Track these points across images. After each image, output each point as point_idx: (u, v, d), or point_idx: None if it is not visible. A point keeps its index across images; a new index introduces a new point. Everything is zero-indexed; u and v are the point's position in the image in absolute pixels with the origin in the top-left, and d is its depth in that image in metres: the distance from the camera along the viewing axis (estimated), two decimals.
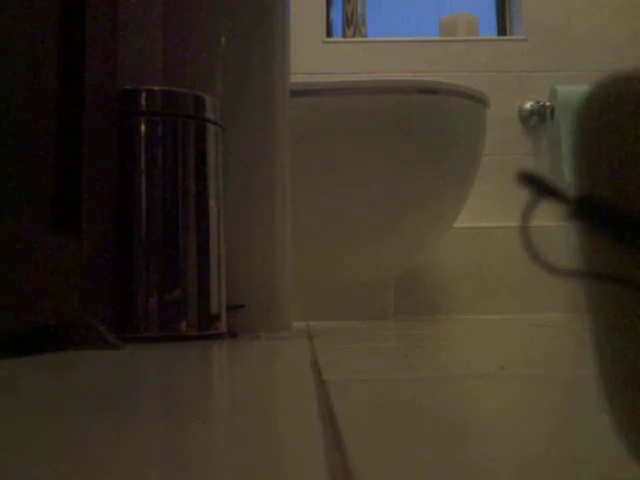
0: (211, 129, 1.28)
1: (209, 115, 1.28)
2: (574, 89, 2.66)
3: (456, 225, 2.59)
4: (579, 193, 0.21)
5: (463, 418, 0.43)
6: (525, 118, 2.72)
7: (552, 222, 2.43)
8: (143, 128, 1.21)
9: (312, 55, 2.70)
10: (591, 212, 0.20)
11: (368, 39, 2.82)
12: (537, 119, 2.71)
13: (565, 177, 2.60)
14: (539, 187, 0.21)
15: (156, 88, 1.26)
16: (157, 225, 1.20)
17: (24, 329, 0.91)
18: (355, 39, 2.81)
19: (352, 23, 2.83)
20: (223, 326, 1.27)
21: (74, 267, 1.00)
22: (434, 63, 2.73)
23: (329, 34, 2.86)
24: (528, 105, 2.71)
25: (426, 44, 2.77)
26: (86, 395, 0.55)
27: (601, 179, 0.21)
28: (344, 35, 2.84)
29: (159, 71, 1.41)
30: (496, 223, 2.65)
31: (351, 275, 2.10)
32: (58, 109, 1.00)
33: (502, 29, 2.96)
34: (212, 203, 1.26)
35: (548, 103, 2.69)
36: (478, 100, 2.12)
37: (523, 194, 2.67)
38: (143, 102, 1.23)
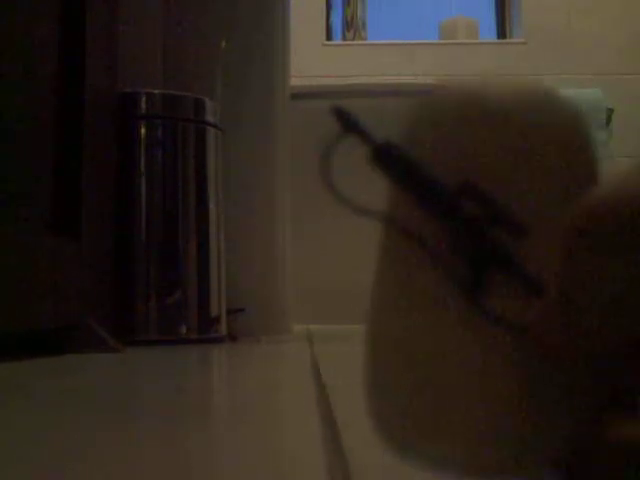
0: (211, 132, 1.28)
1: (209, 118, 1.28)
2: (574, 92, 2.67)
3: None
4: (379, 139, 0.22)
5: None
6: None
7: None
8: (143, 131, 1.21)
9: (312, 58, 2.70)
10: (388, 160, 0.22)
11: (368, 42, 2.82)
12: None
13: None
14: (347, 123, 0.22)
15: (156, 91, 1.26)
16: (157, 228, 1.20)
17: (24, 332, 0.91)
18: (355, 42, 2.81)
19: (352, 26, 2.83)
20: (223, 329, 1.27)
21: (74, 270, 1.00)
22: (433, 66, 2.73)
23: (329, 37, 2.86)
24: None
25: (426, 47, 2.78)
26: (86, 398, 0.55)
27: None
28: (344, 38, 2.84)
29: (159, 74, 1.41)
30: None
31: (352, 278, 2.11)
32: (58, 112, 1.00)
33: (502, 32, 2.97)
34: (212, 206, 1.26)
35: None
36: None
37: None
38: (143, 105, 1.23)
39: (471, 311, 0.21)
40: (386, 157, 0.22)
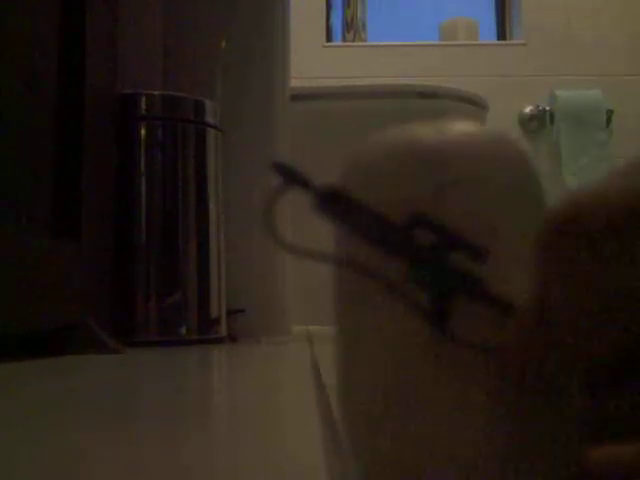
0: (211, 133, 1.28)
1: (209, 119, 1.28)
2: (574, 93, 2.67)
3: None
4: (322, 186, 0.22)
5: None
6: (525, 123, 2.72)
7: None
8: (143, 132, 1.21)
9: (312, 59, 2.70)
10: (333, 205, 0.22)
11: (368, 43, 2.82)
12: (537, 124, 2.71)
13: (564, 181, 2.60)
14: (289, 176, 0.22)
15: (156, 92, 1.26)
16: (157, 229, 1.20)
17: (24, 333, 0.91)
18: (355, 43, 2.81)
19: (352, 28, 2.83)
20: (223, 330, 1.26)
21: (74, 271, 1.00)
22: (434, 67, 2.73)
23: (329, 39, 2.86)
24: (528, 110, 2.71)
25: (426, 48, 2.78)
26: (86, 398, 0.55)
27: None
28: (344, 40, 2.84)
29: (159, 75, 1.41)
30: None
31: None
32: (58, 113, 1.00)
33: (502, 33, 2.97)
34: (212, 207, 1.26)
35: (548, 108, 2.70)
36: (477, 104, 2.12)
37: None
38: (143, 106, 1.23)
39: (438, 338, 0.21)
40: (330, 203, 0.22)
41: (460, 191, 0.22)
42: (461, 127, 0.24)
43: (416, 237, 0.21)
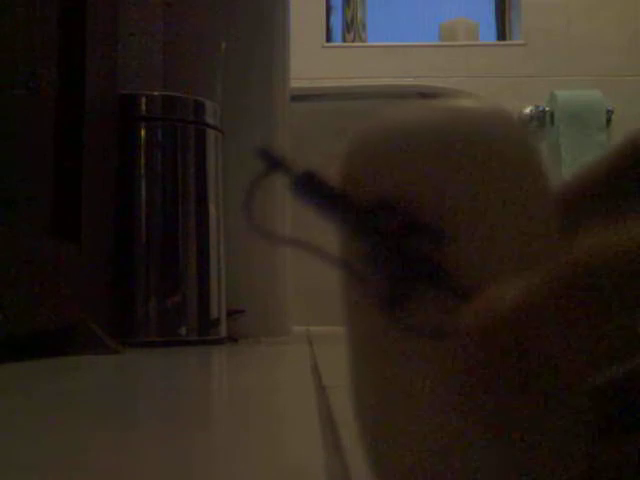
0: (211, 134, 1.28)
1: (209, 120, 1.28)
2: (574, 94, 2.67)
3: None
4: (298, 170, 0.22)
5: None
6: (524, 123, 2.72)
7: None
8: (143, 133, 1.21)
9: (312, 60, 2.70)
10: (310, 189, 0.21)
11: (368, 44, 2.82)
12: (536, 124, 2.71)
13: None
14: (272, 162, 0.22)
15: (156, 93, 1.26)
16: (157, 230, 1.20)
17: (24, 334, 0.91)
18: (355, 44, 2.81)
19: (352, 28, 2.84)
20: (223, 331, 1.26)
21: (74, 272, 1.00)
22: (434, 68, 2.73)
23: (329, 39, 2.86)
24: (527, 110, 2.72)
25: (426, 49, 2.78)
26: (86, 400, 0.55)
27: None
28: (344, 40, 2.84)
29: (159, 76, 1.41)
30: None
31: None
32: (58, 114, 1.00)
33: (501, 34, 2.97)
34: (212, 208, 1.26)
35: (547, 108, 2.70)
36: None
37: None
38: (143, 107, 1.23)
39: (392, 324, 0.21)
40: (306, 186, 0.22)
41: (459, 188, 0.21)
42: (462, 106, 0.23)
43: (379, 220, 0.21)
